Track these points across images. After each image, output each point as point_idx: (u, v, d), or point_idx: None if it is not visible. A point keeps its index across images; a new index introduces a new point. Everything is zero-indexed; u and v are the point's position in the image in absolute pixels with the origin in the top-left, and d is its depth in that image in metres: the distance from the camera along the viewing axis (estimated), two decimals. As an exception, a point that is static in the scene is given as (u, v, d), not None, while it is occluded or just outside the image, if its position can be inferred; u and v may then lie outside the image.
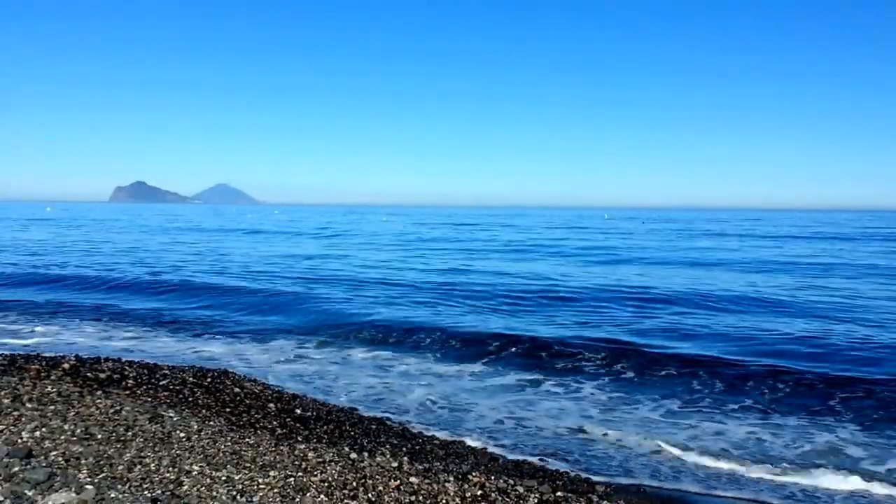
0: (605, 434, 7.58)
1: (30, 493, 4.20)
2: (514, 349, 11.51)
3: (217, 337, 12.74)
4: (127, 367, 9.00)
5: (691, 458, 6.94)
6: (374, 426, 7.35)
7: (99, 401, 6.79)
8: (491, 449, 7.01)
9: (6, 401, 6.40)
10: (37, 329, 13.01)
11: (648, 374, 10.12)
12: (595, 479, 6.23)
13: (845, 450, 7.28)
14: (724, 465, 6.76)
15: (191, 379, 8.68)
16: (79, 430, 5.64)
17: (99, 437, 5.56)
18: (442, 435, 7.35)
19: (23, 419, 5.82)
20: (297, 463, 5.49)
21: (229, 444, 5.83)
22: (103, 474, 4.70)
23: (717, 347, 11.54)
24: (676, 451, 7.08)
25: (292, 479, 5.06)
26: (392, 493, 5.02)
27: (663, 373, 10.19)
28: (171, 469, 4.96)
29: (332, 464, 5.56)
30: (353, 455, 5.94)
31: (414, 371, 10.38)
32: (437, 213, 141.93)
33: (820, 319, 14.35)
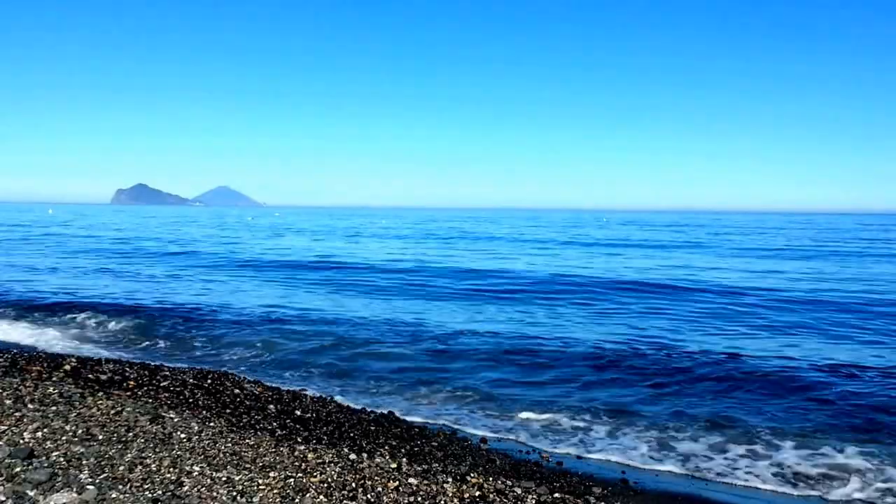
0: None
1: (31, 494, 4.24)
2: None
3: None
4: (128, 369, 9.04)
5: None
6: (373, 427, 7.39)
7: (100, 402, 6.83)
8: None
9: (8, 402, 6.44)
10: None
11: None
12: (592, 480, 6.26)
13: None
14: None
15: (191, 380, 8.72)
16: (80, 431, 5.68)
17: (100, 437, 5.60)
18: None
19: (25, 420, 5.86)
20: (296, 464, 5.52)
21: (230, 445, 5.87)
22: (104, 475, 4.74)
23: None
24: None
25: (292, 479, 5.10)
26: (391, 494, 5.06)
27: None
28: (171, 470, 5.00)
29: (332, 465, 5.60)
30: (353, 456, 5.98)
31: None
32: (431, 217, 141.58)
33: None
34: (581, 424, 8.08)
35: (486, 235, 57.41)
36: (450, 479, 5.56)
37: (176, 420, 6.50)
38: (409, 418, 8.01)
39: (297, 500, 4.72)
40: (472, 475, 5.76)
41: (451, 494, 5.20)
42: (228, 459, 5.44)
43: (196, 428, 6.30)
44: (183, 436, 5.95)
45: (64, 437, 5.48)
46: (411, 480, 5.41)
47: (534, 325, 14.45)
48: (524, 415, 8.43)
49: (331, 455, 5.90)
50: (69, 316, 14.74)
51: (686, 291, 19.96)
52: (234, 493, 4.70)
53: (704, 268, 27.77)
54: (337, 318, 14.81)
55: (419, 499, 5.05)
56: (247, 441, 6.09)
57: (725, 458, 7.07)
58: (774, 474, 6.68)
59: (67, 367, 8.67)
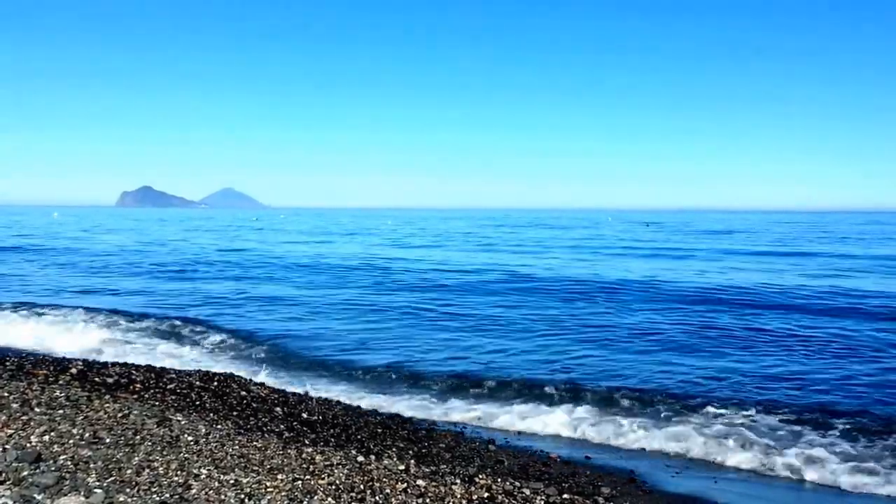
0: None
1: (39, 497, 4.23)
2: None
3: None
4: (134, 371, 9.03)
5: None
6: (380, 429, 7.37)
7: (107, 405, 6.82)
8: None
9: (15, 405, 6.43)
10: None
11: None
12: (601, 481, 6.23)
13: None
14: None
15: (198, 383, 8.71)
16: (87, 435, 5.67)
17: (107, 441, 5.59)
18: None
19: (32, 423, 5.85)
20: (304, 466, 5.50)
21: (237, 447, 5.86)
22: (112, 478, 4.73)
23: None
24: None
25: (300, 482, 5.08)
26: (399, 496, 5.03)
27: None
28: (179, 473, 4.98)
29: (340, 467, 5.57)
30: (361, 458, 5.95)
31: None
32: (427, 217, 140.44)
33: None
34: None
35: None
36: (458, 481, 5.53)
37: (183, 423, 6.49)
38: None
39: (305, 503, 4.70)
40: (480, 476, 5.73)
41: (459, 496, 5.17)
42: (236, 462, 5.42)
43: (203, 430, 6.28)
44: (190, 438, 5.93)
45: (71, 441, 5.46)
46: (419, 482, 5.38)
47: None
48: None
49: (339, 457, 5.88)
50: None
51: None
52: (243, 496, 4.67)
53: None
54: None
55: (427, 500, 5.02)
56: (254, 443, 6.07)
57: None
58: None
59: (74, 371, 8.67)
